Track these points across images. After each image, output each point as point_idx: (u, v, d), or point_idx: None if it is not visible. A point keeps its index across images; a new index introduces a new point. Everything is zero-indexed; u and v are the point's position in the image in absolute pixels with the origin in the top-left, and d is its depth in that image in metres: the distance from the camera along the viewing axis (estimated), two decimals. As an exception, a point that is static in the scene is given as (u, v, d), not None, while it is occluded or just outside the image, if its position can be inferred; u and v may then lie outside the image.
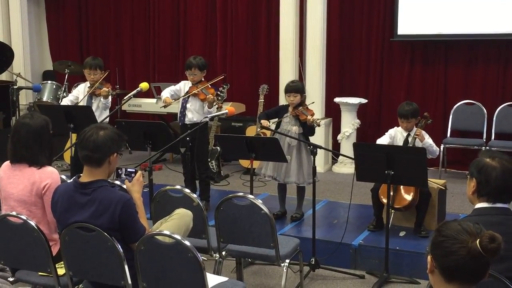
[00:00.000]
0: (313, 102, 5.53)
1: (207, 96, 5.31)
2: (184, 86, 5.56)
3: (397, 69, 7.41)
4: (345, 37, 7.59)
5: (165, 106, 5.44)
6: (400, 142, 4.88)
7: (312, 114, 5.00)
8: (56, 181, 3.40)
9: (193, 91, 5.38)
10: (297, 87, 5.07)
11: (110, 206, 2.94)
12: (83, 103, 5.66)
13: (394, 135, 4.95)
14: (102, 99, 5.60)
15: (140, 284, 2.99)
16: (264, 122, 4.95)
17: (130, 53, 8.83)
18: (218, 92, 5.93)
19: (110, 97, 5.64)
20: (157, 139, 4.70)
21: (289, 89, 5.05)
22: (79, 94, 5.84)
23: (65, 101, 5.89)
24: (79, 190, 3.01)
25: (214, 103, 5.30)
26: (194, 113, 5.44)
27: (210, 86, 5.47)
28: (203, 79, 5.49)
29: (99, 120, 5.34)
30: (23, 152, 3.41)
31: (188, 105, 5.45)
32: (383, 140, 4.90)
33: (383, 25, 7.38)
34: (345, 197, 5.63)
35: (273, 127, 5.07)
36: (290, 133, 5.01)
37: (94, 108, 5.62)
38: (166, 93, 5.54)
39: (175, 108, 5.74)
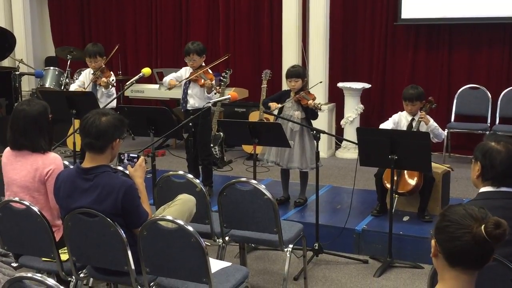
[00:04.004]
0: (320, 82, 5.52)
1: (205, 82, 5.28)
2: (185, 72, 5.54)
3: (401, 53, 7.36)
4: (348, 21, 7.53)
5: (169, 89, 5.50)
6: (404, 127, 4.86)
7: (314, 98, 4.97)
8: (59, 167, 3.39)
9: (192, 76, 5.36)
10: (298, 72, 5.03)
11: (113, 191, 2.94)
12: (88, 89, 5.64)
13: (398, 120, 4.92)
14: (103, 89, 5.58)
15: (143, 269, 2.99)
16: (273, 105, 4.93)
17: (132, 39, 8.79)
18: (221, 78, 5.90)
19: (110, 87, 5.60)
20: (160, 124, 4.68)
21: (290, 74, 5.02)
22: (84, 80, 5.81)
23: (74, 87, 5.84)
24: (82, 176, 3.01)
25: (213, 89, 5.28)
26: (195, 99, 5.42)
27: (209, 71, 5.44)
28: (203, 64, 5.46)
29: (102, 106, 5.32)
30: (22, 140, 3.39)
31: (189, 91, 5.44)
32: (386, 125, 4.88)
33: (387, 9, 7.32)
34: (349, 182, 5.61)
35: (276, 112, 5.04)
36: (292, 118, 4.99)
37: (99, 95, 5.62)
38: (169, 78, 5.54)
39: (178, 93, 5.73)
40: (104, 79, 5.51)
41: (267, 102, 5.05)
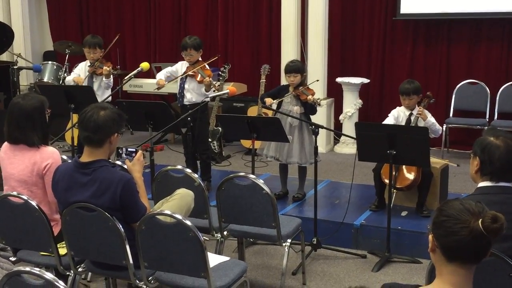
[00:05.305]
0: (317, 80, 5.51)
1: (204, 79, 5.26)
2: (181, 66, 5.51)
3: (399, 48, 7.35)
4: (347, 16, 7.52)
5: (158, 88, 5.43)
6: (403, 122, 4.86)
7: (313, 94, 4.97)
8: (57, 161, 3.39)
9: (189, 72, 5.34)
10: (297, 67, 5.02)
11: (111, 186, 2.93)
12: (84, 82, 5.62)
13: (397, 115, 4.92)
14: (104, 78, 5.56)
15: (141, 263, 2.99)
16: (268, 100, 4.93)
17: (131, 33, 8.77)
18: (219, 72, 5.88)
19: (112, 77, 5.59)
20: (158, 119, 4.68)
21: (289, 69, 5.01)
22: (80, 73, 5.79)
23: (70, 78, 5.81)
24: (80, 170, 3.01)
25: (211, 86, 5.26)
26: (192, 94, 5.41)
27: (207, 67, 5.42)
28: (200, 59, 5.44)
29: (100, 99, 5.31)
30: (17, 133, 3.39)
31: (186, 86, 5.41)
32: (388, 122, 4.88)
33: (386, 4, 7.31)
34: (347, 177, 5.62)
35: (274, 107, 5.05)
36: (291, 113, 4.98)
37: (95, 87, 5.58)
38: (161, 74, 5.50)
39: (176, 88, 5.71)
40: (106, 67, 5.50)
41: (264, 97, 5.05)
